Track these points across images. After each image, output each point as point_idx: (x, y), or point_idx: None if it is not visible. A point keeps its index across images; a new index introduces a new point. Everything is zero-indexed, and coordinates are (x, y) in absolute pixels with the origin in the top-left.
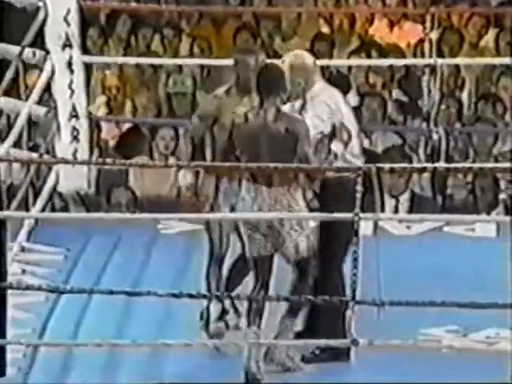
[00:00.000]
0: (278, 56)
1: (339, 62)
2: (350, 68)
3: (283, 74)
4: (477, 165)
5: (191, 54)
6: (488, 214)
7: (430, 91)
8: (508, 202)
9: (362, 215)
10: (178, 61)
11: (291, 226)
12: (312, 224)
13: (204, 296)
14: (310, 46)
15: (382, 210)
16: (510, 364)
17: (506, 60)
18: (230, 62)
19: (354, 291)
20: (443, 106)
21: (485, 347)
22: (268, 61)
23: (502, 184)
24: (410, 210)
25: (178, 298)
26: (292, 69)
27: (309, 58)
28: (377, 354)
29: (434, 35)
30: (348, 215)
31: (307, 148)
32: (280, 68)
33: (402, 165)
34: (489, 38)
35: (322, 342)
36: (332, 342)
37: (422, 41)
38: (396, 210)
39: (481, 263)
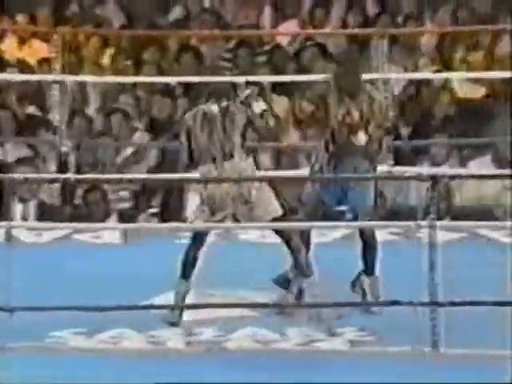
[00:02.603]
0: None
1: None
2: None
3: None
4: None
5: None
6: (104, 221)
7: (61, 106)
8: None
9: None
10: None
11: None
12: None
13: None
14: None
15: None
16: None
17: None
18: None
19: None
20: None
21: (110, 346)
22: None
23: (112, 195)
24: (40, 218)
25: None
26: None
27: None
28: None
29: (60, 53)
30: None
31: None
32: None
33: (33, 175)
34: (107, 56)
35: None
36: None
37: (49, 59)
38: (25, 218)
39: (107, 267)
